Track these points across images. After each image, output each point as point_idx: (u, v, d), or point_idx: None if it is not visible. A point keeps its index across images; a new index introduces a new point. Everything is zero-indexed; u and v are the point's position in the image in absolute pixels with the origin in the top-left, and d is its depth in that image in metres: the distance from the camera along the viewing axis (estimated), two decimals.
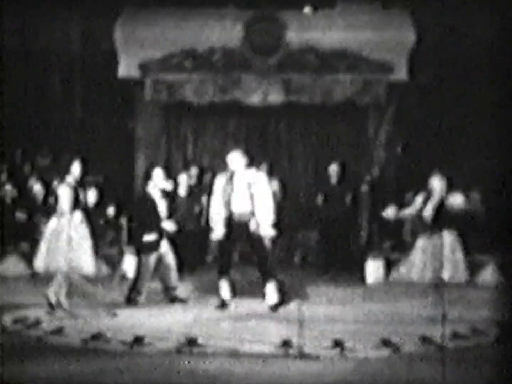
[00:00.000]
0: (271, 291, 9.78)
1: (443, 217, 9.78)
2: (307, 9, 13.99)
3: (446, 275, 9.57)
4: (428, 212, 9.95)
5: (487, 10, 13.52)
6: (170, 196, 10.63)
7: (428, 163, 13.51)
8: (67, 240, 9.26)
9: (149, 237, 10.20)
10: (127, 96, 13.98)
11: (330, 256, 12.89)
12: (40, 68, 14.31)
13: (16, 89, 13.70)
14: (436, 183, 10.03)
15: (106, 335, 7.99)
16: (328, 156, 13.77)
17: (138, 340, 7.72)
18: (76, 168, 9.94)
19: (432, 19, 14.11)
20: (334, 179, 13.09)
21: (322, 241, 13.29)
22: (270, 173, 13.30)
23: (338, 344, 7.60)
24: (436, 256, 9.60)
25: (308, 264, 13.64)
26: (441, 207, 9.94)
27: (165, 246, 10.30)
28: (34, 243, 12.26)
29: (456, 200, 9.87)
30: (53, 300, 9.56)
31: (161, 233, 10.24)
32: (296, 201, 14.23)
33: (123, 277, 11.54)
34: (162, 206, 10.33)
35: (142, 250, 10.25)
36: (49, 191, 9.72)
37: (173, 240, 10.45)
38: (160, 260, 10.27)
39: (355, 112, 14.12)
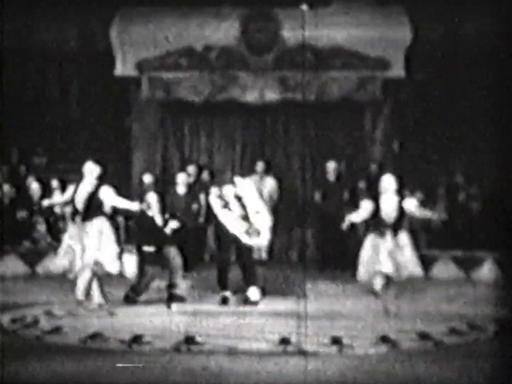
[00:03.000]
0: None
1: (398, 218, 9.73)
2: (303, 6, 13.99)
3: (401, 272, 9.55)
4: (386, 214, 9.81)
5: (483, 7, 13.52)
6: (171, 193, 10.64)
7: (425, 160, 13.58)
8: (99, 238, 9.50)
9: (148, 249, 10.25)
10: (124, 94, 13.97)
11: (328, 253, 12.89)
12: (36, 68, 14.30)
13: (13, 88, 13.67)
14: (388, 183, 9.90)
15: (105, 334, 7.99)
16: (325, 153, 13.75)
17: (136, 339, 7.72)
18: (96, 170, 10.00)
19: (429, 15, 14.09)
20: (331, 176, 13.08)
21: (320, 238, 13.29)
22: (267, 171, 13.35)
23: (336, 340, 7.60)
24: (391, 253, 9.54)
25: (306, 261, 13.64)
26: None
27: (172, 251, 10.34)
28: (34, 243, 12.32)
29: (407, 205, 9.81)
30: (81, 296, 9.65)
31: (161, 243, 10.32)
32: (294, 199, 14.21)
33: (122, 275, 11.55)
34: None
35: (144, 259, 10.29)
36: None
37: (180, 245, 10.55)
38: (167, 260, 10.33)
39: (351, 109, 14.10)
